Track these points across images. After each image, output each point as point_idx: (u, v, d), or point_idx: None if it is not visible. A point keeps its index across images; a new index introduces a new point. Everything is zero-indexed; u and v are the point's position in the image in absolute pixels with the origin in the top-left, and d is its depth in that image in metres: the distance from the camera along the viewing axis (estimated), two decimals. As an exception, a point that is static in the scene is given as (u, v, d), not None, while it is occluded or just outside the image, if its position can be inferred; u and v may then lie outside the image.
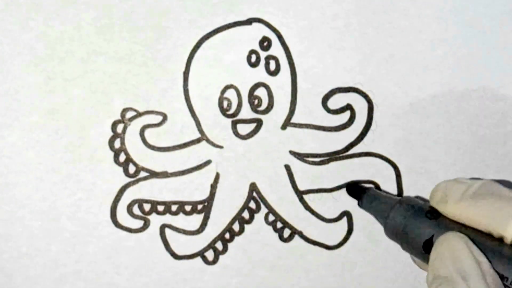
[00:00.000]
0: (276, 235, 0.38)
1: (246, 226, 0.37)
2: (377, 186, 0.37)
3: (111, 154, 0.37)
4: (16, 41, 0.36)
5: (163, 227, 0.37)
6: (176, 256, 0.37)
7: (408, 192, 0.38)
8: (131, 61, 0.37)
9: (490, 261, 0.27)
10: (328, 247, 0.38)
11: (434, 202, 0.31)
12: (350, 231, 0.38)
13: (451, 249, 0.28)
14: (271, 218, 0.37)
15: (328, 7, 0.37)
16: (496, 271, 0.27)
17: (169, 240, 0.37)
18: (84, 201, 0.37)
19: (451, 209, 0.30)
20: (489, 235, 0.28)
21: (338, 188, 0.37)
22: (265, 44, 0.37)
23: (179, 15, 0.37)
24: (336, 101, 0.37)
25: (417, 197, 0.35)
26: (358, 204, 0.36)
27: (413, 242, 0.31)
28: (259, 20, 0.37)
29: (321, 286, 0.38)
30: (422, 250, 0.30)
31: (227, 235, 0.37)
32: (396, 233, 0.32)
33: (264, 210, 0.37)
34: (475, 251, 0.27)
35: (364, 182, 0.37)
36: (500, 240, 0.28)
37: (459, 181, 0.30)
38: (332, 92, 0.37)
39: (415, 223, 0.31)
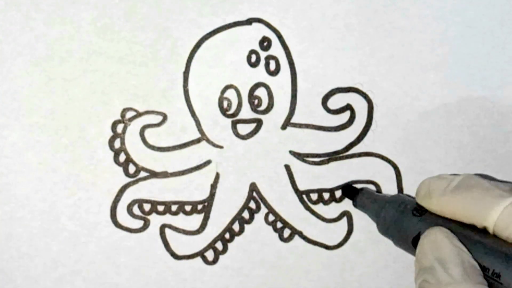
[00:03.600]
0: (276, 235, 0.38)
1: (246, 226, 0.37)
2: (377, 186, 0.37)
3: (111, 154, 0.37)
4: (16, 41, 0.36)
5: (163, 227, 0.37)
6: (176, 256, 0.37)
7: (408, 192, 0.38)
8: (131, 61, 0.37)
9: (472, 253, 0.28)
10: (328, 247, 0.38)
11: (419, 198, 0.32)
12: (350, 231, 0.38)
13: (433, 241, 0.29)
14: (271, 218, 0.37)
15: (328, 7, 0.37)
16: (478, 262, 0.28)
17: (169, 240, 0.37)
18: (84, 201, 0.37)
19: (434, 204, 0.30)
20: (473, 227, 0.29)
21: (338, 188, 0.37)
22: (265, 44, 0.37)
23: (179, 15, 0.37)
24: (336, 101, 0.37)
25: (408, 195, 0.35)
26: (353, 205, 0.36)
27: (403, 239, 0.32)
28: (259, 20, 0.37)
29: (321, 286, 0.38)
30: (412, 247, 0.31)
31: (227, 235, 0.37)
32: (387, 231, 0.33)
33: (264, 210, 0.37)
34: (455, 242, 0.28)
35: (364, 182, 0.38)
36: (484, 231, 0.28)
37: (441, 177, 0.31)
38: (332, 92, 0.37)
39: (403, 221, 0.32)
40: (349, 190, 0.37)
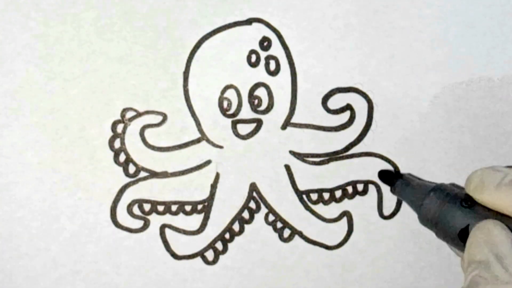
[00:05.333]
0: (276, 235, 0.38)
1: (246, 226, 0.37)
2: (377, 186, 0.37)
3: (111, 154, 0.37)
4: (16, 41, 0.36)
5: (163, 227, 0.37)
6: (176, 256, 0.37)
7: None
8: (131, 61, 0.37)
9: None
10: (328, 247, 0.38)
11: (470, 190, 0.30)
12: (350, 231, 0.38)
13: (487, 235, 0.28)
14: (271, 218, 0.37)
15: (328, 7, 0.37)
16: None
17: (169, 240, 0.37)
18: (84, 201, 0.37)
19: (487, 197, 0.29)
20: None
21: (338, 188, 0.37)
22: (265, 44, 0.37)
23: (179, 15, 0.37)
24: (336, 101, 0.37)
25: (452, 184, 0.34)
26: (391, 190, 0.36)
27: (448, 231, 0.31)
28: (259, 20, 0.37)
29: (321, 286, 0.38)
30: (458, 238, 0.30)
31: (227, 235, 0.37)
32: (430, 221, 0.32)
33: (264, 210, 0.37)
34: (511, 235, 0.27)
35: (364, 182, 0.37)
36: None
37: (495, 169, 0.30)
38: (332, 92, 0.37)
39: (450, 212, 0.31)
40: (387, 175, 0.36)
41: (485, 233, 0.28)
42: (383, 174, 0.37)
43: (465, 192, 0.31)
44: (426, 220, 0.32)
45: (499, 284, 0.26)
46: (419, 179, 0.36)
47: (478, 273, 0.27)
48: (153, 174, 0.37)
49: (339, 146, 0.37)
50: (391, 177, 0.36)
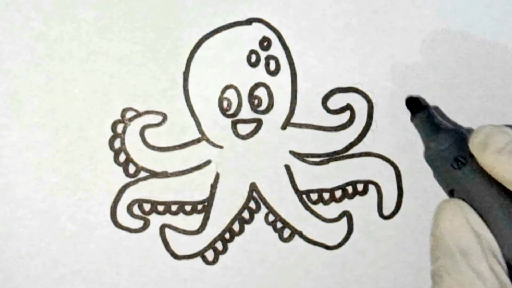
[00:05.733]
0: (276, 235, 0.38)
1: (246, 226, 0.37)
2: (378, 186, 0.37)
3: (111, 154, 0.37)
4: (16, 41, 0.36)
5: (163, 227, 0.37)
6: (176, 256, 0.37)
7: (408, 191, 0.37)
8: (131, 61, 0.37)
9: (496, 234, 0.26)
10: (328, 247, 0.38)
11: (473, 145, 0.28)
12: (350, 231, 0.38)
13: (451, 220, 0.27)
14: (271, 218, 0.37)
15: (328, 7, 0.37)
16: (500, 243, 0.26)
17: (169, 240, 0.37)
18: (84, 201, 0.37)
19: (487, 159, 0.27)
20: None
21: (338, 188, 0.37)
22: (265, 44, 0.37)
23: (179, 15, 0.37)
24: (336, 101, 0.37)
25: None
26: (411, 118, 0.35)
27: (441, 184, 0.31)
28: (259, 20, 0.37)
29: (321, 286, 0.38)
30: (449, 194, 0.30)
31: (227, 235, 0.37)
32: (431, 162, 0.32)
33: (264, 210, 0.37)
34: (477, 224, 0.26)
35: (364, 182, 0.37)
36: None
37: (503, 130, 0.28)
38: (332, 92, 0.37)
39: (441, 170, 0.30)
40: (414, 103, 0.35)
41: (448, 219, 0.27)
42: (410, 101, 0.35)
43: (456, 155, 0.30)
44: (431, 156, 0.32)
45: (464, 283, 0.25)
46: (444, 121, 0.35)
47: (443, 265, 0.26)
48: (153, 174, 0.37)
49: (339, 146, 0.37)
50: (417, 106, 0.34)
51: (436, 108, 0.37)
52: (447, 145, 0.31)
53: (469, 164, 0.29)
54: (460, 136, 0.31)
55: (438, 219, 0.27)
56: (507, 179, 0.26)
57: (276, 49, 0.37)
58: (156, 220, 0.37)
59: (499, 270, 0.25)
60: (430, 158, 0.33)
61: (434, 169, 0.32)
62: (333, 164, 0.37)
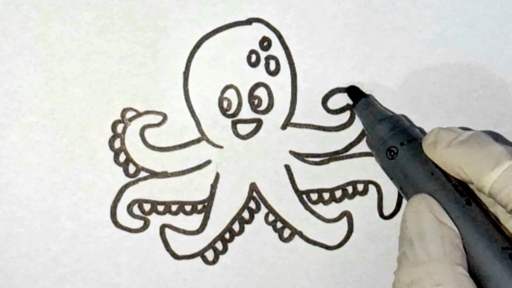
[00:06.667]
0: (276, 235, 0.38)
1: (246, 226, 0.37)
2: (378, 186, 0.37)
3: (111, 154, 0.37)
4: (16, 41, 0.36)
5: (163, 227, 0.37)
6: (176, 256, 0.37)
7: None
8: (131, 61, 0.37)
9: (456, 220, 0.28)
10: (328, 247, 0.38)
11: (425, 146, 0.31)
12: (350, 231, 0.38)
13: (414, 211, 0.28)
14: (271, 218, 0.37)
15: (328, 7, 0.37)
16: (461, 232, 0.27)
17: (169, 240, 0.37)
18: (84, 201, 0.37)
19: (438, 155, 0.30)
20: (466, 187, 0.29)
21: (338, 188, 0.37)
22: (265, 44, 0.37)
23: (179, 15, 0.37)
24: (336, 101, 0.37)
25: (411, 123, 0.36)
26: (352, 106, 0.36)
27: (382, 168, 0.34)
28: (259, 20, 0.37)
29: (321, 286, 0.38)
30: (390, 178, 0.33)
31: (227, 235, 0.37)
32: (374, 148, 0.34)
33: (264, 210, 0.37)
34: (438, 213, 0.28)
35: (364, 182, 0.37)
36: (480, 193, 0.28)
37: (451, 129, 0.31)
38: (332, 92, 0.37)
39: (378, 158, 0.33)
40: (354, 91, 0.36)
41: (412, 209, 0.28)
42: (351, 90, 0.36)
43: (391, 145, 0.32)
44: (370, 146, 0.34)
45: (416, 264, 0.26)
46: (385, 108, 0.37)
47: (404, 251, 0.27)
48: (153, 174, 0.37)
49: (339, 146, 0.37)
50: (357, 94, 0.36)
51: (436, 108, 0.37)
52: (382, 134, 0.33)
53: (400, 153, 0.32)
54: (395, 125, 0.33)
55: (405, 210, 0.29)
56: (456, 169, 0.29)
57: (276, 49, 0.37)
58: (156, 220, 0.37)
59: (455, 255, 0.26)
60: (369, 146, 0.35)
61: (374, 156, 0.34)
62: (333, 164, 0.37)
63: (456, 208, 0.28)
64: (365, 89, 0.37)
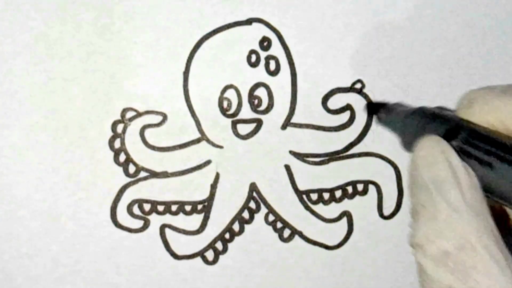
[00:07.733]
0: (276, 235, 0.38)
1: (246, 226, 0.37)
2: (378, 186, 0.37)
3: (111, 154, 0.37)
4: (16, 41, 0.36)
5: (163, 227, 0.37)
6: (176, 256, 0.37)
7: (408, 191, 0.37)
8: (131, 61, 0.37)
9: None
10: (328, 247, 0.38)
11: (460, 111, 0.28)
12: (350, 231, 0.38)
13: (426, 154, 0.25)
14: (271, 218, 0.37)
15: (328, 7, 0.37)
16: (484, 181, 0.24)
17: (169, 240, 0.37)
18: (84, 201, 0.37)
19: (477, 113, 0.27)
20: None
21: (338, 188, 0.37)
22: (265, 44, 0.37)
23: (179, 15, 0.37)
24: (336, 101, 0.37)
25: (439, 107, 0.32)
26: (377, 120, 0.35)
27: None
28: (259, 20, 0.37)
29: (321, 286, 0.38)
30: None
31: (227, 235, 0.37)
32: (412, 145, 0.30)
33: (264, 210, 0.37)
34: (452, 156, 0.25)
35: (364, 182, 0.37)
36: None
37: (484, 87, 0.28)
38: (332, 92, 0.37)
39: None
40: (373, 107, 0.35)
41: (424, 153, 0.26)
42: (369, 107, 0.35)
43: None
44: (408, 144, 0.30)
45: (436, 215, 0.24)
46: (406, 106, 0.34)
47: (419, 199, 0.25)
48: (153, 174, 0.37)
49: (339, 146, 0.37)
50: (376, 107, 0.35)
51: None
52: (414, 127, 0.30)
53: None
54: (421, 109, 0.31)
55: (415, 155, 0.26)
56: (499, 121, 0.26)
57: (276, 49, 0.37)
58: (156, 220, 0.37)
59: (476, 200, 0.24)
60: (405, 141, 0.31)
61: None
62: (333, 164, 0.37)
63: None
64: (365, 89, 0.37)
